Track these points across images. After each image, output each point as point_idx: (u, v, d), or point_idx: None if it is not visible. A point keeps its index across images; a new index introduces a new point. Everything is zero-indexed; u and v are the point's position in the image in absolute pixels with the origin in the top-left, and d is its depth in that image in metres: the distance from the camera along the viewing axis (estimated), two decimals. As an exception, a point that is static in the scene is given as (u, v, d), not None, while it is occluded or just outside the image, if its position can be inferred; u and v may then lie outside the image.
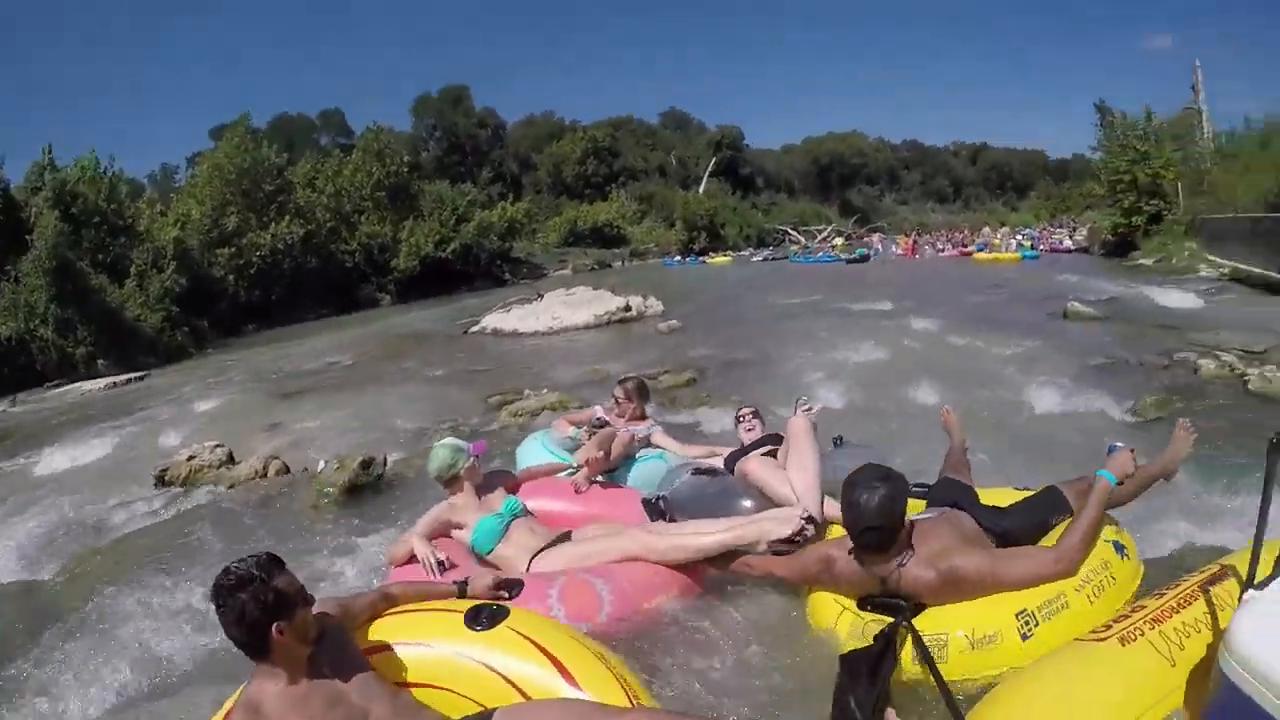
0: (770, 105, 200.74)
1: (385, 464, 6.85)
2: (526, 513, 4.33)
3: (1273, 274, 18.67)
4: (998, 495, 3.96)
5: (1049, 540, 3.41)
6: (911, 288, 23.49)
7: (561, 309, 19.26)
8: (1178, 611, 2.78)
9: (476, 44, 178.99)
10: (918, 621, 3.09)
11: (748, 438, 5.26)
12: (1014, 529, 3.49)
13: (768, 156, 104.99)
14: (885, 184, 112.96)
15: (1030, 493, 3.81)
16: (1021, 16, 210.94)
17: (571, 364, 13.57)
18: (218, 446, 8.02)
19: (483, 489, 4.42)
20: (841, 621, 3.33)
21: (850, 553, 3.31)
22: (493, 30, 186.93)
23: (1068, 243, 42.47)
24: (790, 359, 11.90)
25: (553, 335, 18.08)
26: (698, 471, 4.78)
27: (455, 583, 3.37)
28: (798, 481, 4.19)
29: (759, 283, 30.86)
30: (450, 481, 4.36)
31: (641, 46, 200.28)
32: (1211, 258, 24.24)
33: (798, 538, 3.75)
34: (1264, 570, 2.44)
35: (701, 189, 77.10)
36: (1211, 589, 2.87)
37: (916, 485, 4.00)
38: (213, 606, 2.47)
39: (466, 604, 3.10)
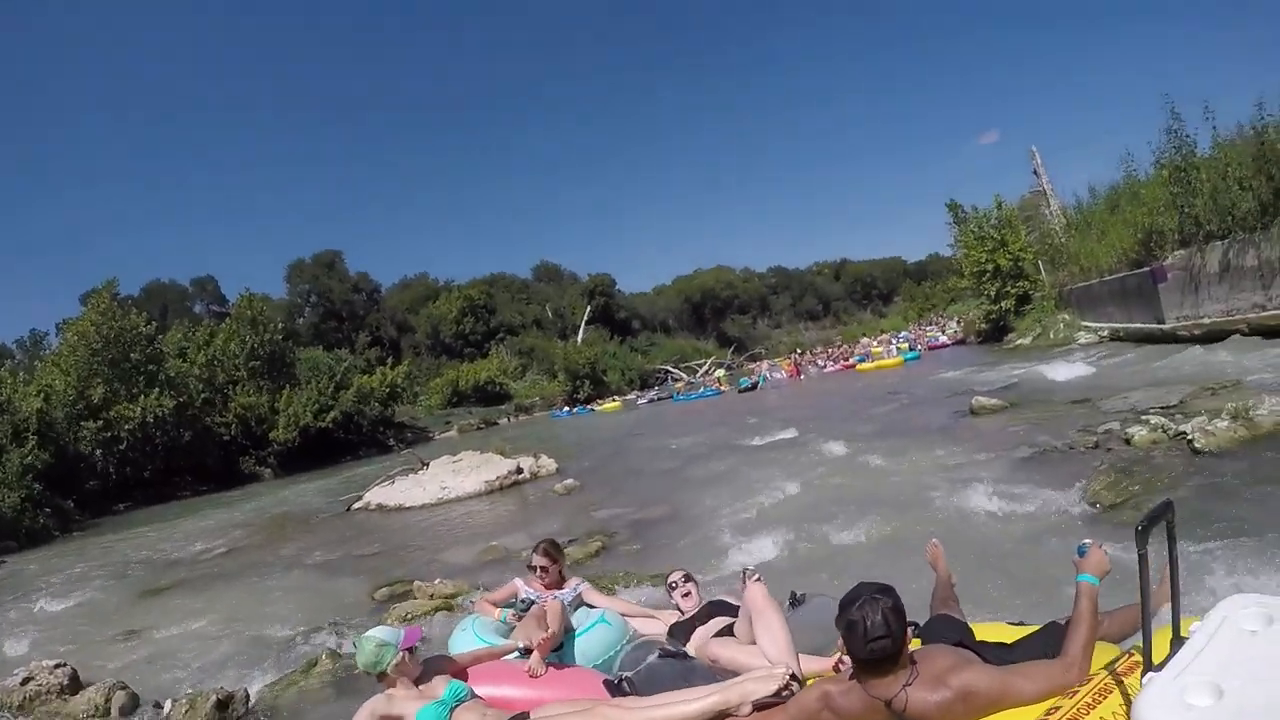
0: (638, 250, 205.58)
1: (248, 700, 5.67)
2: (474, 696, 3.98)
3: (1151, 326, 19.60)
4: (993, 631, 3.76)
5: None
6: (808, 410, 23.79)
7: (449, 477, 18.13)
8: (1092, 708, 2.72)
9: (347, 208, 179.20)
10: None
11: (685, 604, 5.11)
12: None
13: (640, 300, 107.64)
14: (757, 311, 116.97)
15: (1028, 628, 3.65)
16: (859, 130, 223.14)
17: (465, 542, 12.48)
18: (59, 666, 6.90)
19: (421, 677, 4.03)
20: None
21: (851, 679, 3.09)
22: (363, 195, 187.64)
23: (943, 338, 44.61)
24: (704, 510, 11.16)
25: (442, 506, 16.82)
26: (664, 654, 4.48)
27: None
28: (770, 649, 3.89)
29: (651, 427, 30.56)
30: (381, 676, 3.96)
31: (510, 206, 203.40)
32: (1086, 324, 25.43)
33: (784, 693, 3.53)
34: (1159, 653, 2.57)
35: (580, 338, 77.61)
36: (1124, 679, 2.82)
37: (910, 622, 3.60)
38: None
39: None
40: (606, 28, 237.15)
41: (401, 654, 3.97)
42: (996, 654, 3.31)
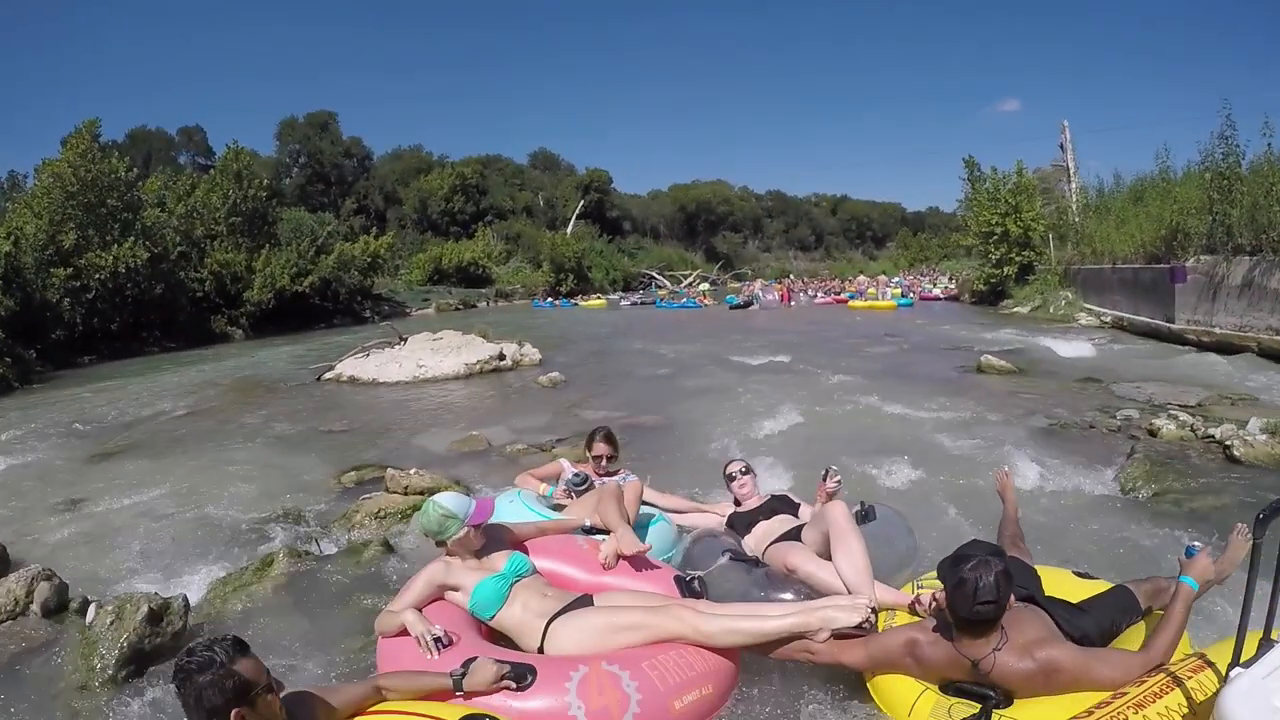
0: (638, 151, 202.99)
1: (187, 610, 4.69)
2: (534, 572, 3.91)
3: (1159, 322, 19.71)
4: (1058, 580, 3.89)
5: (1120, 645, 3.38)
6: (801, 337, 23.25)
7: (427, 355, 17.36)
8: (1160, 697, 2.85)
9: (346, 69, 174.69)
10: (1006, 713, 3.01)
11: (744, 495, 5.12)
12: (1090, 633, 3.31)
13: (635, 202, 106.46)
14: (749, 231, 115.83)
15: (1092, 582, 3.82)
16: (879, 76, 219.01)
17: (443, 426, 11.66)
18: (-14, 541, 6.06)
19: (483, 547, 3.92)
20: (922, 702, 3.19)
21: (938, 633, 3.24)
22: (364, 59, 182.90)
23: (936, 291, 44.73)
24: (703, 425, 10.51)
25: (417, 386, 16.08)
26: (735, 557, 4.47)
27: (451, 674, 3.11)
28: (849, 573, 3.89)
29: (637, 329, 29.86)
30: (440, 544, 3.88)
31: (512, 86, 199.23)
32: (1089, 307, 25.44)
33: (865, 625, 3.53)
34: (1248, 651, 2.61)
35: (569, 230, 76.31)
36: (1189, 678, 2.91)
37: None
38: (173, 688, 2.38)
39: (460, 711, 2.92)
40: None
41: (467, 529, 3.79)
42: (1065, 614, 3.35)
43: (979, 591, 2.95)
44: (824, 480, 4.70)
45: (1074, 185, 36.55)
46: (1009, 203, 34.49)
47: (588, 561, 4.27)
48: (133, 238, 34.04)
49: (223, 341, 36.62)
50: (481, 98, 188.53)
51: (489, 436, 10.27)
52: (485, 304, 57.23)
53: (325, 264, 43.38)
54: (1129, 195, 29.62)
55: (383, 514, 6.66)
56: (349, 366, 17.91)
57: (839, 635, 3.51)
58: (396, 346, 18.62)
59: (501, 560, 3.83)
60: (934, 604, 3.51)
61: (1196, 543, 3.37)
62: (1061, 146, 38.11)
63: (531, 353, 18.57)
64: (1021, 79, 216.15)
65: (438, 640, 3.37)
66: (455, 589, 3.75)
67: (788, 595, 4.07)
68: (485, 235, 73.48)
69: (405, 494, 7.10)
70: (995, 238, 34.50)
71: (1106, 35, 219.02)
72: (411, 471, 7.46)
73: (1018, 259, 33.90)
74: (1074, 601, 3.52)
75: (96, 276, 32.36)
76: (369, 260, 47.28)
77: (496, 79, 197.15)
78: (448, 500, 3.84)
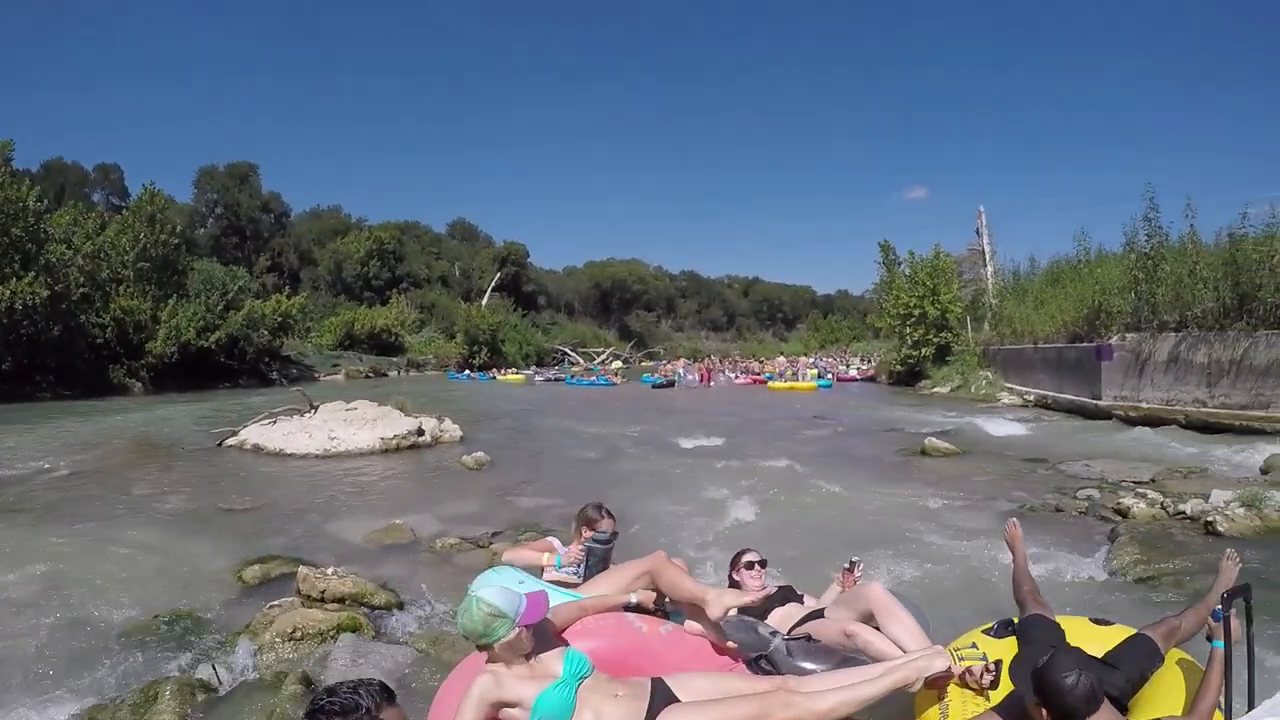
0: (556, 227, 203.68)
1: None
2: (594, 669, 3.30)
3: (1085, 399, 20.50)
4: (1079, 627, 3.90)
5: (1149, 692, 3.44)
6: (731, 419, 22.81)
7: (340, 427, 16.14)
8: None
9: (270, 123, 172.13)
10: None
11: (756, 586, 4.70)
12: (1125, 689, 3.39)
13: (550, 277, 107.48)
14: (663, 311, 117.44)
15: (1110, 628, 3.83)
16: (788, 158, 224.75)
17: (359, 511, 10.45)
18: None
19: (533, 648, 3.26)
20: None
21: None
22: (288, 115, 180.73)
23: (853, 372, 46.01)
24: (648, 518, 9.52)
25: (328, 460, 14.86)
26: (791, 638, 4.30)
27: None
28: (908, 638, 3.89)
29: (557, 407, 29.10)
30: (483, 647, 3.21)
31: (433, 154, 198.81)
32: (1011, 386, 26.33)
33: (951, 669, 3.56)
34: None
35: (484, 302, 75.52)
36: None
37: (1001, 621, 4.06)
38: None
39: None
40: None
41: (518, 629, 3.14)
42: (1101, 674, 3.30)
43: (1082, 700, 2.95)
44: (850, 570, 4.82)
45: (990, 268, 37.61)
46: (927, 285, 35.34)
47: (647, 644, 3.69)
48: (34, 273, 32.32)
49: (121, 394, 35.10)
50: (403, 163, 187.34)
51: (413, 526, 9.13)
52: (397, 373, 56.23)
53: (234, 320, 41.97)
54: (1046, 277, 30.77)
55: (299, 634, 5.44)
56: (254, 433, 16.66)
57: (929, 684, 3.53)
58: (307, 415, 17.37)
59: (556, 662, 3.23)
60: (986, 676, 3.51)
61: (1219, 608, 3.38)
62: (978, 231, 39.30)
63: (452, 429, 17.51)
64: (928, 166, 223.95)
65: None
66: (513, 705, 3.10)
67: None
68: (400, 303, 72.61)
69: (322, 602, 5.96)
70: (913, 319, 35.25)
71: (1014, 124, 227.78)
72: (329, 571, 6.30)
73: (935, 340, 34.70)
74: (1100, 655, 3.57)
75: (-11, 312, 30.61)
76: (279, 320, 45.89)
77: (418, 146, 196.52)
78: (495, 597, 3.14)
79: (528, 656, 3.22)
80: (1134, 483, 10.77)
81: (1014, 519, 4.89)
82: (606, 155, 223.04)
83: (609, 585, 4.11)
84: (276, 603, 5.96)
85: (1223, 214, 33.77)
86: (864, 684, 3.38)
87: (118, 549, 8.34)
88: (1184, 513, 8.62)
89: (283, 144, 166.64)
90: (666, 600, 4.02)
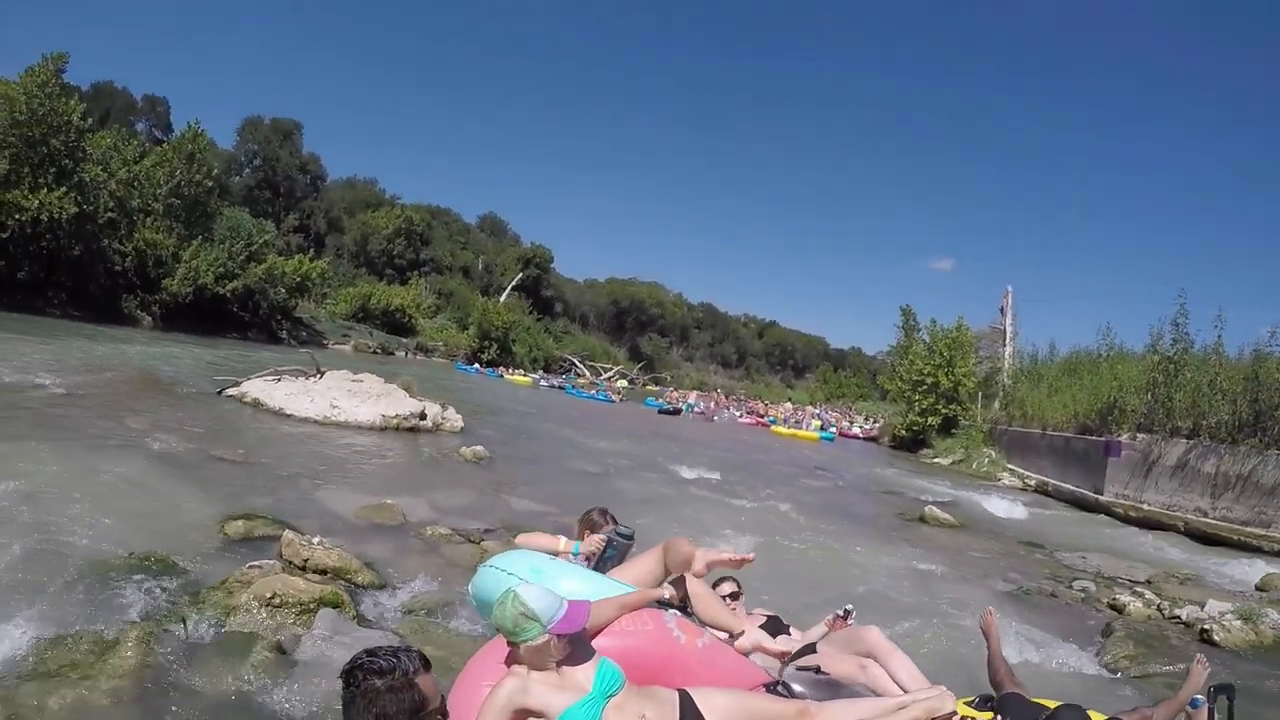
0: (583, 237, 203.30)
1: None
2: (625, 684, 3.14)
3: (1086, 491, 20.42)
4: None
5: None
6: (732, 456, 22.76)
7: (344, 397, 15.92)
8: None
9: (318, 89, 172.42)
10: None
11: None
12: None
13: (570, 286, 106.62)
14: (676, 338, 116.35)
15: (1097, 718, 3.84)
16: (821, 217, 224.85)
17: (352, 484, 10.25)
18: None
19: (565, 654, 3.08)
20: None
21: None
22: (339, 81, 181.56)
23: (857, 430, 45.74)
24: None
25: (327, 427, 14.64)
26: (801, 668, 4.40)
27: None
28: (908, 679, 4.03)
29: (560, 414, 28.93)
30: (511, 644, 3.05)
31: (476, 145, 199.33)
32: (1013, 468, 26.27)
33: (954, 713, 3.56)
34: None
35: (503, 299, 75.31)
36: None
37: (982, 696, 4.26)
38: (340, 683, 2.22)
39: None
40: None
41: (548, 636, 2.95)
42: None
43: None
44: (844, 618, 4.77)
45: (1009, 348, 37.49)
46: (944, 355, 35.31)
47: (683, 657, 3.49)
48: (65, 188, 32.28)
49: (130, 324, 35.06)
50: (444, 148, 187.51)
51: (405, 509, 8.91)
52: (404, 354, 56.09)
53: (254, 272, 41.88)
54: (1063, 366, 30.81)
55: (277, 601, 5.12)
56: (256, 388, 16.46)
57: None
58: (312, 378, 17.13)
59: (588, 674, 3.07)
60: None
61: (1200, 695, 3.82)
62: (1002, 310, 39.21)
63: (454, 418, 17.30)
64: (958, 240, 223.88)
65: None
66: (538, 715, 2.96)
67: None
68: (419, 285, 72.48)
69: (304, 571, 5.72)
70: (924, 387, 35.18)
71: (1048, 210, 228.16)
72: (315, 541, 6.08)
73: (944, 411, 34.60)
74: None
75: (17, 218, 30.62)
76: (298, 280, 45.79)
77: (462, 135, 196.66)
78: (533, 599, 2.97)
79: (559, 664, 3.05)
80: (1130, 581, 10.78)
81: (990, 607, 5.02)
82: (645, 180, 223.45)
83: (639, 571, 3.98)
84: (256, 563, 5.71)
85: (1250, 330, 33.56)
86: (881, 717, 3.41)
87: (100, 477, 8.08)
88: (1179, 618, 8.61)
89: (331, 108, 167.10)
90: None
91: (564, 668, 3.05)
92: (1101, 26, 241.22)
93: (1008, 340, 38.02)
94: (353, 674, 2.21)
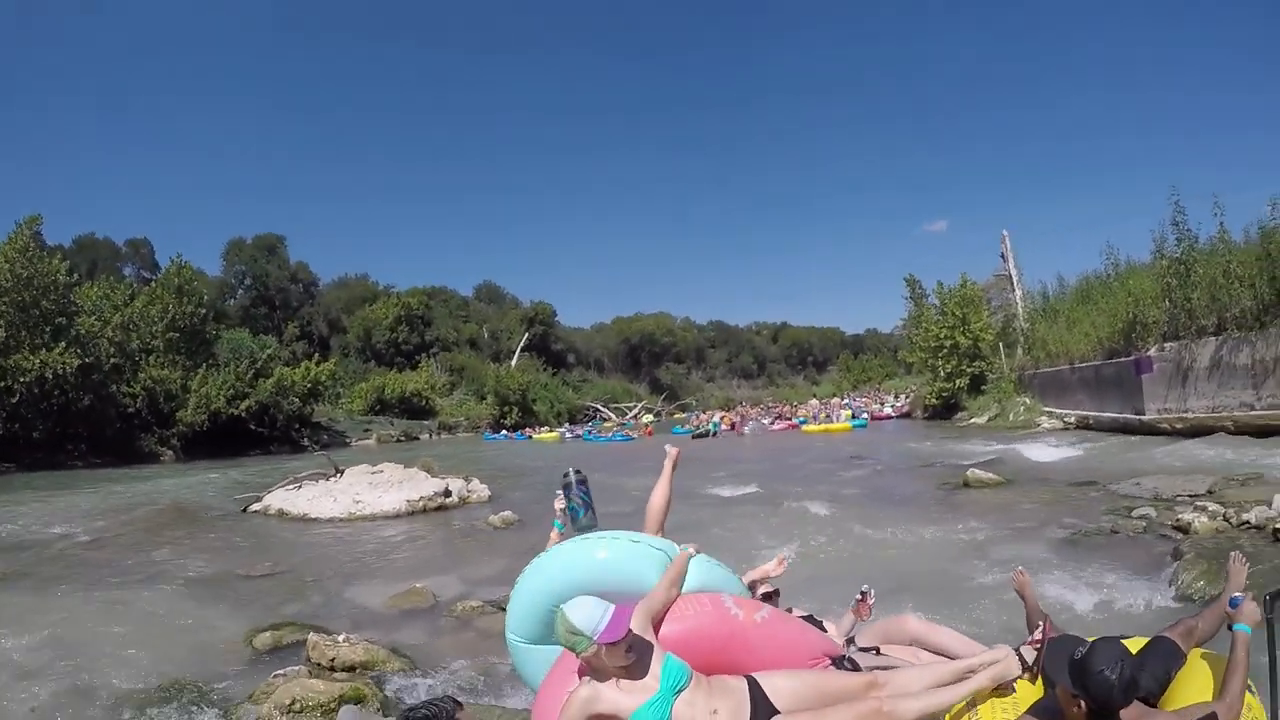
0: (581, 284, 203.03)
1: None
2: (692, 677, 3.21)
3: (1128, 416, 20.05)
4: None
5: (1177, 689, 3.47)
6: (768, 465, 22.25)
7: (365, 490, 15.85)
8: None
9: (294, 199, 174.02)
10: None
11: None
12: (1153, 688, 3.41)
13: (578, 334, 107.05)
14: (693, 362, 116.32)
15: (1131, 641, 3.64)
16: (814, 204, 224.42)
17: (380, 575, 10.15)
18: None
19: (628, 654, 3.17)
20: None
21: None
22: (314, 184, 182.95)
23: (888, 410, 45.10)
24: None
25: (353, 523, 14.51)
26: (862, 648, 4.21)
27: None
28: (964, 649, 3.95)
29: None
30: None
31: (458, 219, 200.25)
32: (1050, 410, 25.85)
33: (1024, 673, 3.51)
34: None
35: (514, 363, 75.42)
36: None
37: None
38: None
39: None
40: (591, 54, 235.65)
41: (598, 646, 3.08)
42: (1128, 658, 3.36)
43: (1123, 689, 2.93)
44: (864, 599, 4.54)
45: (1019, 292, 36.82)
46: (956, 315, 34.84)
47: (742, 632, 3.52)
48: (64, 344, 32.61)
49: (152, 461, 35.13)
50: (428, 229, 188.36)
51: (434, 589, 8.77)
52: (428, 436, 55.97)
53: (263, 388, 41.95)
54: (1076, 296, 30.12)
55: (298, 707, 5.01)
56: (278, 498, 16.41)
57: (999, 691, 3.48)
58: (332, 479, 17.09)
59: (655, 673, 3.16)
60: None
61: (1238, 593, 3.56)
62: (1002, 256, 38.55)
63: (480, 489, 17.12)
64: (949, 198, 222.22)
65: None
66: (610, 719, 3.10)
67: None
68: (429, 367, 72.54)
69: (331, 671, 5.58)
70: (944, 351, 34.68)
71: (1030, 143, 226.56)
72: (340, 639, 5.95)
73: (969, 370, 34.09)
74: None
75: (22, 380, 30.94)
76: (309, 386, 45.86)
77: (444, 212, 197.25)
78: (574, 614, 3.12)
79: (625, 669, 3.15)
80: (1190, 496, 10.36)
81: (1020, 567, 4.72)
82: (632, 213, 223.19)
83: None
84: (281, 672, 5.61)
85: (1252, 210, 32.04)
86: (946, 690, 3.40)
87: (128, 614, 8.01)
88: (1248, 522, 8.29)
89: (310, 215, 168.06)
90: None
91: (630, 670, 3.15)
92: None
93: (1015, 284, 37.28)
94: None
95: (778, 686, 3.25)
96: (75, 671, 6.12)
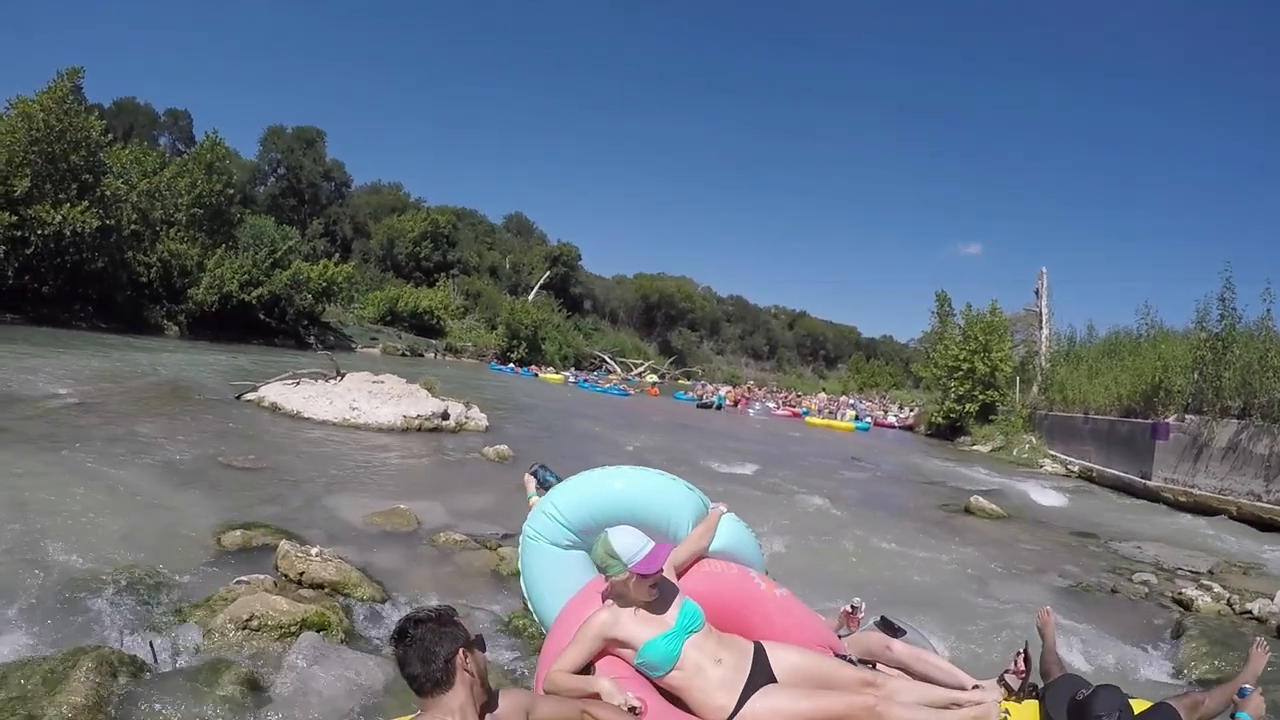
0: (609, 233, 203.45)
1: None
2: (703, 623, 3.40)
3: (1133, 477, 19.56)
4: None
5: None
6: (767, 448, 21.95)
7: (363, 398, 15.52)
8: None
9: (342, 93, 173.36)
10: None
11: None
12: None
13: (599, 283, 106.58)
14: (706, 332, 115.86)
15: (1136, 702, 3.60)
16: (847, 204, 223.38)
17: (365, 488, 9.77)
18: None
19: (651, 589, 3.38)
20: None
21: None
22: (360, 87, 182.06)
23: (891, 419, 45.04)
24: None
25: (345, 430, 14.17)
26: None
27: None
28: (946, 675, 3.87)
29: (590, 411, 28.20)
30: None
31: (500, 147, 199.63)
32: (1055, 454, 25.51)
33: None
34: None
35: (531, 298, 75.02)
36: None
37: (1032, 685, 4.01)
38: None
39: None
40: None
41: (629, 574, 3.31)
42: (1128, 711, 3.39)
43: None
44: (854, 611, 4.44)
45: (1045, 331, 36.32)
46: (979, 340, 34.51)
47: (761, 602, 3.81)
48: (87, 203, 32.29)
49: (156, 334, 35.13)
50: (469, 151, 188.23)
51: (419, 513, 8.38)
52: (433, 355, 55.85)
53: (279, 278, 41.77)
54: (1103, 347, 29.76)
55: (255, 624, 4.58)
56: (274, 392, 16.12)
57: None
58: (331, 381, 16.78)
59: (672, 611, 3.38)
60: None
61: (1247, 684, 3.60)
62: (1037, 292, 37.90)
63: (479, 417, 16.83)
64: (986, 225, 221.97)
65: (634, 710, 3.11)
66: (624, 644, 3.34)
67: None
68: (446, 287, 72.23)
69: (298, 586, 5.24)
70: (960, 373, 34.35)
71: (1077, 193, 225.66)
72: (313, 551, 5.58)
73: (981, 397, 33.82)
74: None
75: (40, 233, 30.73)
76: (324, 285, 45.63)
77: (486, 136, 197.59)
78: (619, 541, 3.35)
79: (647, 602, 3.34)
80: (1192, 572, 10.24)
81: (1047, 606, 4.76)
82: (672, 175, 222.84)
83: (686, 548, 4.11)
84: (245, 578, 5.22)
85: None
86: (933, 713, 3.42)
87: (96, 487, 7.68)
88: (1250, 612, 8.13)
89: (353, 115, 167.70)
90: None
91: (652, 605, 3.35)
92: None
93: (1044, 322, 36.64)
94: (404, 631, 2.46)
95: (781, 658, 3.39)
96: (26, 542, 5.79)
